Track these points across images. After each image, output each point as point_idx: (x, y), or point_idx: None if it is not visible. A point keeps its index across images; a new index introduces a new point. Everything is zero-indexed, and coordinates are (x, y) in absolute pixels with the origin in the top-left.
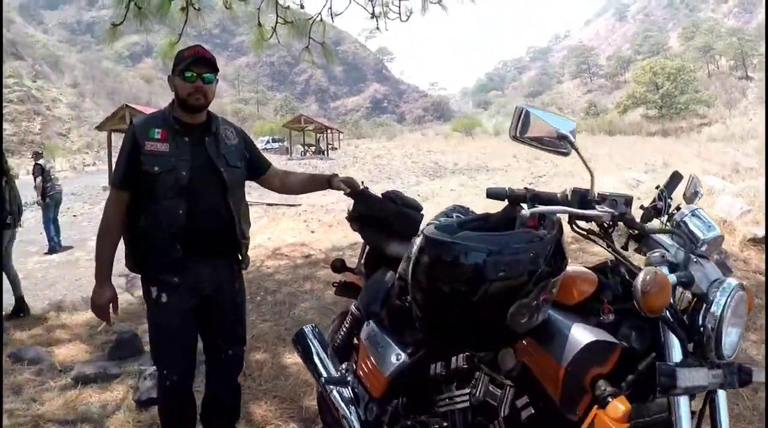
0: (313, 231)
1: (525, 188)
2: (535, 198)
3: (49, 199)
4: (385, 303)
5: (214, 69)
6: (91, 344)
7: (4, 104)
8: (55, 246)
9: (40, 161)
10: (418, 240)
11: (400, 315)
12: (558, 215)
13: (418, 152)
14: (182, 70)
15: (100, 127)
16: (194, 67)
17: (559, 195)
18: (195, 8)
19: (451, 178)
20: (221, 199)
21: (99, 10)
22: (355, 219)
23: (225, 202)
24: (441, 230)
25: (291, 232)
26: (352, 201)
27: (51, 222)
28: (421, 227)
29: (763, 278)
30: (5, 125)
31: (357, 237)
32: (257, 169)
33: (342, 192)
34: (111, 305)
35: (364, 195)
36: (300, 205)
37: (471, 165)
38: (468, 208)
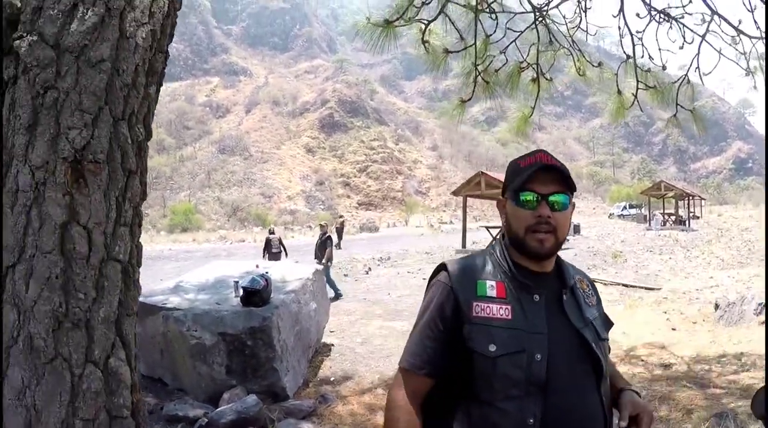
0: (674, 329)
1: None
2: None
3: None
4: None
5: (569, 187)
6: None
7: (369, 163)
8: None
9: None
10: None
11: None
12: None
13: None
14: (517, 190)
15: (456, 193)
16: (536, 183)
17: None
18: (547, 79)
19: None
20: (594, 398)
21: (453, 78)
22: None
23: (599, 402)
24: None
25: (649, 327)
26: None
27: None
28: None
29: None
30: (371, 182)
31: (728, 347)
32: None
33: None
34: None
35: None
36: (660, 288)
37: None
38: None
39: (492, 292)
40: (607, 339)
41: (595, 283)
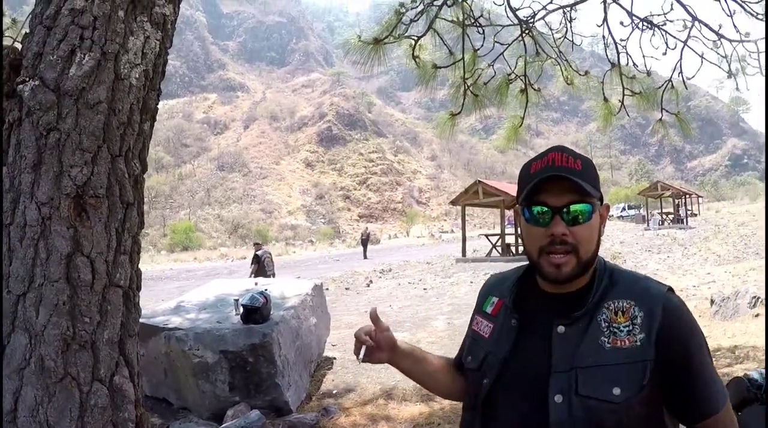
0: None
1: None
2: None
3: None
4: None
5: (587, 194)
6: None
7: (369, 175)
8: None
9: (259, 252)
10: None
11: None
12: None
13: None
14: (526, 202)
15: (454, 202)
16: (548, 193)
17: None
18: (535, 89)
19: None
20: None
21: (450, 88)
22: None
23: None
24: None
25: None
26: None
27: None
28: None
29: None
30: (371, 195)
31: (723, 341)
32: (690, 410)
33: None
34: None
35: None
36: None
37: None
38: None
39: (489, 309)
40: (603, 399)
41: (677, 315)
